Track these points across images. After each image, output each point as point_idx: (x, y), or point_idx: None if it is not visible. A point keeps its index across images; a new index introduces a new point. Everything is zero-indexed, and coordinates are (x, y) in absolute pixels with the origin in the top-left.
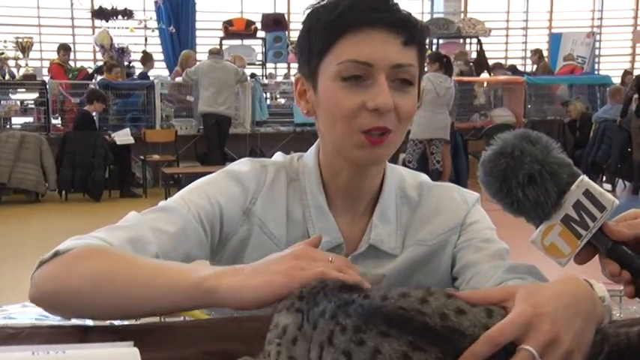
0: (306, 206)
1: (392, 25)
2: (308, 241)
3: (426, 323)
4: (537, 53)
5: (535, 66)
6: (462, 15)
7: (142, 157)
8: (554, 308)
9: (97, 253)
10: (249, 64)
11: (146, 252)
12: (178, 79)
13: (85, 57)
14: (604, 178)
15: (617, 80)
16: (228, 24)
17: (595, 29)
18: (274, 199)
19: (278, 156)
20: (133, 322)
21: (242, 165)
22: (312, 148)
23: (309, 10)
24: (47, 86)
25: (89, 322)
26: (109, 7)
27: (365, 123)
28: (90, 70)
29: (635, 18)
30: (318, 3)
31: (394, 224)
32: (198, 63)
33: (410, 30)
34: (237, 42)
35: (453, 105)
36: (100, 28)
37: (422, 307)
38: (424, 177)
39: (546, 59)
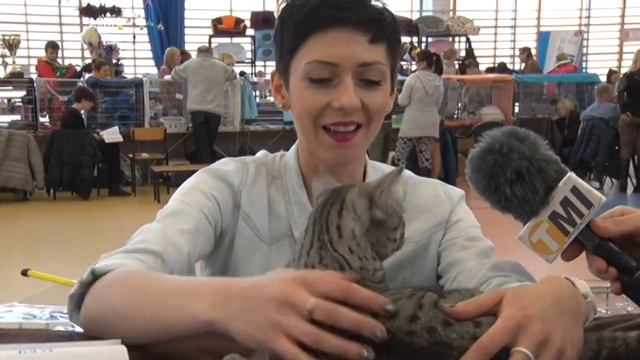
0: (288, 203)
1: (359, 23)
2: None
3: (413, 344)
4: (526, 52)
5: (523, 64)
6: (451, 13)
7: (130, 156)
8: (541, 309)
9: (125, 280)
10: (238, 62)
11: (180, 252)
12: (167, 77)
13: (73, 55)
14: (592, 176)
15: (604, 79)
16: (217, 22)
17: (583, 28)
18: (256, 193)
19: (261, 154)
20: None
21: (223, 164)
22: (293, 147)
23: (283, 4)
24: (35, 84)
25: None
26: (97, 5)
27: (329, 119)
28: (78, 68)
29: (622, 17)
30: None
31: None
32: (187, 61)
33: (377, 27)
34: (227, 40)
35: (442, 103)
36: (88, 25)
37: (410, 327)
38: (408, 173)
39: (535, 57)
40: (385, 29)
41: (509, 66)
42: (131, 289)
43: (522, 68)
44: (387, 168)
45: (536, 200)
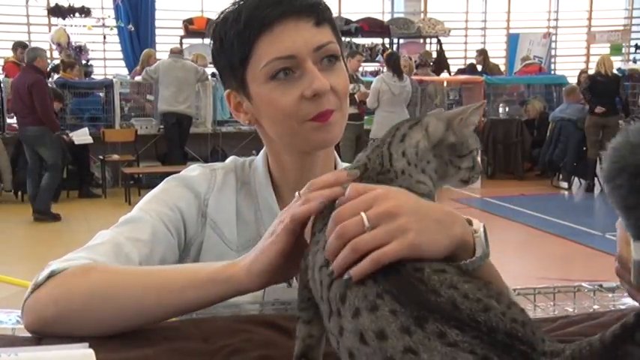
0: (257, 208)
1: (300, 12)
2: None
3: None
4: (482, 54)
5: (481, 66)
6: (422, 15)
7: (101, 157)
8: (405, 198)
9: (94, 269)
10: (211, 62)
11: (130, 261)
12: (138, 78)
13: None
14: (561, 177)
15: (573, 80)
16: (188, 22)
17: (551, 30)
18: (224, 201)
19: (231, 160)
20: None
21: (191, 171)
22: (262, 152)
23: (212, 28)
24: (1, 85)
25: None
26: (66, 5)
27: (309, 112)
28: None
29: (589, 19)
30: (219, 17)
31: None
32: (157, 61)
33: (318, 10)
34: (198, 41)
35: (412, 104)
36: (56, 25)
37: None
38: None
39: (504, 59)
40: (325, 11)
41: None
42: (118, 270)
43: (481, 70)
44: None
45: None
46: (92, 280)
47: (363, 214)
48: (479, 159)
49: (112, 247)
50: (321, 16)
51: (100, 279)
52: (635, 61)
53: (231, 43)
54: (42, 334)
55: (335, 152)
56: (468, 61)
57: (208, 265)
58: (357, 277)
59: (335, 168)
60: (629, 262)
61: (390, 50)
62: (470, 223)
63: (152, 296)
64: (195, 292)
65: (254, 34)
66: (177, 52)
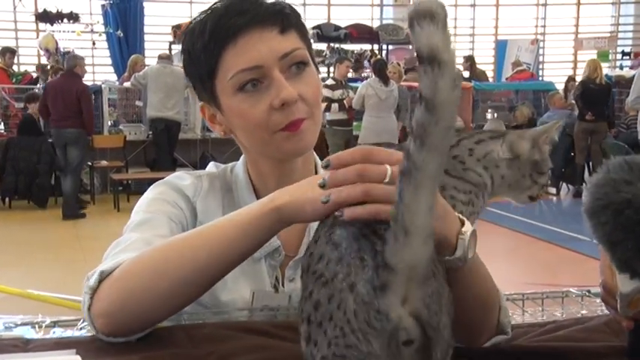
0: None
1: (264, 20)
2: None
3: None
4: (469, 60)
5: (468, 72)
6: None
7: (89, 163)
8: None
9: (140, 255)
10: None
11: None
12: (126, 84)
13: (30, 61)
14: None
15: (560, 86)
16: (177, 28)
17: (539, 37)
18: (212, 206)
19: (211, 166)
20: (77, 333)
21: (178, 177)
22: (241, 159)
23: (182, 39)
24: None
25: (33, 336)
26: (54, 11)
27: (279, 122)
28: (34, 75)
29: (577, 26)
30: (188, 27)
31: None
32: (146, 67)
33: (282, 17)
34: None
35: (403, 110)
36: (44, 31)
37: None
38: None
39: (492, 65)
40: (289, 17)
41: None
42: (169, 244)
43: (467, 77)
44: None
45: None
46: (144, 263)
47: (388, 167)
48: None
49: (143, 244)
50: (287, 22)
51: (149, 258)
52: (621, 67)
53: (199, 56)
54: (115, 334)
55: (315, 155)
56: (457, 67)
57: (246, 207)
58: (348, 217)
59: (316, 171)
60: (614, 291)
61: (377, 57)
62: (462, 223)
63: (203, 252)
64: (253, 232)
65: (219, 47)
66: (165, 58)
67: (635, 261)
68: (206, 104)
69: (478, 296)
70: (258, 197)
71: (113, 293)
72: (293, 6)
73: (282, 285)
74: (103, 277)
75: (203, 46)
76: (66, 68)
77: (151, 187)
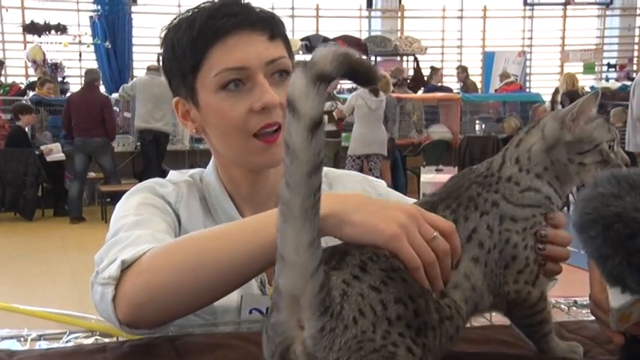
0: (218, 221)
1: (254, 25)
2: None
3: None
4: (465, 71)
5: (462, 83)
6: (399, 33)
7: None
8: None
9: (166, 246)
10: None
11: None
12: (114, 95)
13: (17, 72)
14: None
15: (547, 97)
16: None
17: (526, 49)
18: (193, 211)
19: (174, 174)
20: (63, 345)
21: (157, 183)
22: (210, 165)
23: (164, 33)
24: None
25: (19, 349)
26: (42, 22)
27: (255, 124)
28: (22, 86)
29: (563, 39)
30: (172, 23)
31: None
32: (135, 78)
33: (272, 24)
34: None
35: (391, 121)
36: (32, 43)
37: None
38: (326, 168)
39: (480, 76)
40: (279, 26)
41: (457, 84)
42: (196, 241)
43: (460, 88)
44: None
45: None
46: (171, 256)
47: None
48: (619, 149)
49: (152, 238)
50: (276, 30)
51: (179, 252)
52: (607, 79)
53: (184, 50)
54: (139, 325)
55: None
56: (445, 79)
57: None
58: None
59: None
60: (604, 305)
61: None
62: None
63: (237, 254)
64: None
65: (207, 43)
66: (154, 70)
67: (625, 275)
68: (182, 99)
69: None
70: (232, 200)
71: (141, 284)
72: (280, 17)
73: (270, 284)
74: (125, 266)
75: (190, 40)
76: (86, 82)
77: (130, 192)
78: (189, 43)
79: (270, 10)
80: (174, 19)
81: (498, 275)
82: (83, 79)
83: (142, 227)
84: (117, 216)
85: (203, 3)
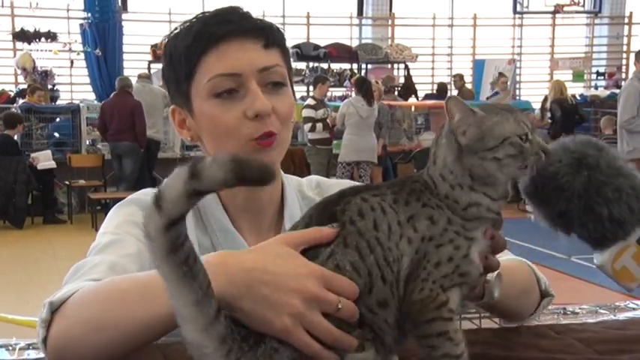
0: (212, 231)
1: (249, 32)
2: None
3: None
4: (461, 79)
5: (457, 90)
6: (390, 41)
7: (67, 183)
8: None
9: (89, 293)
10: None
11: (129, 272)
12: None
13: (6, 80)
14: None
15: (537, 105)
16: (156, 47)
17: (516, 57)
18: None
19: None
20: None
21: (146, 194)
22: None
23: (165, 43)
24: None
25: (7, 358)
26: (32, 30)
27: (251, 132)
28: (12, 94)
29: (552, 47)
30: (173, 32)
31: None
32: None
33: (268, 33)
34: None
35: (385, 128)
36: (21, 50)
37: None
38: (317, 177)
39: (470, 84)
40: (275, 35)
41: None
42: (107, 296)
43: (456, 95)
44: (296, 177)
45: (632, 222)
46: (85, 307)
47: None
48: (534, 137)
49: (106, 267)
50: (271, 39)
51: (88, 303)
52: (596, 87)
53: (179, 57)
54: None
55: (282, 172)
56: (436, 87)
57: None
58: None
59: (282, 186)
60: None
61: (359, 75)
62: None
63: (126, 308)
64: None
65: (200, 49)
66: (145, 77)
67: (582, 230)
68: (177, 108)
69: (520, 293)
70: (227, 212)
71: (61, 331)
72: (279, 26)
73: None
74: (54, 308)
75: (185, 47)
76: (118, 87)
77: (118, 205)
78: (184, 50)
79: (268, 20)
80: (175, 28)
81: (422, 268)
82: (116, 85)
83: (110, 251)
84: (100, 230)
85: (203, 12)
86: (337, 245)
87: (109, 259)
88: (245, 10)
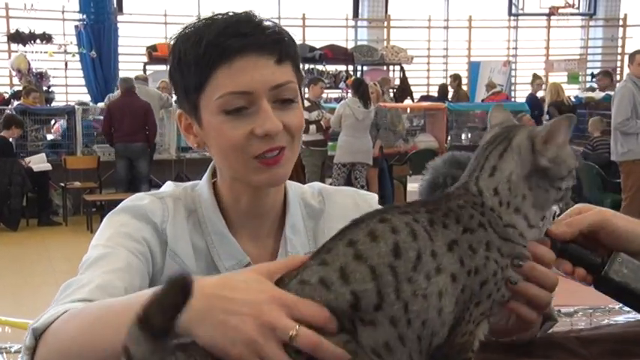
0: (207, 234)
1: (263, 47)
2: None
3: None
4: (457, 79)
5: (453, 91)
6: (385, 43)
7: (62, 185)
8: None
9: (69, 320)
10: None
11: (116, 288)
12: (100, 105)
13: (1, 82)
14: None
15: None
16: (152, 49)
17: (511, 59)
18: (179, 229)
19: (169, 185)
20: None
21: (139, 200)
22: (205, 176)
23: (174, 41)
24: None
25: None
26: (27, 31)
27: (257, 149)
28: (6, 95)
29: (547, 49)
30: (182, 32)
31: (304, 235)
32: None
33: (280, 47)
34: (162, 67)
35: (382, 129)
36: (16, 52)
37: None
38: (320, 185)
39: (466, 86)
40: (288, 48)
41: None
42: (84, 322)
43: (452, 96)
44: (299, 184)
45: None
46: (64, 334)
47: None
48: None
49: (95, 286)
50: (284, 52)
51: (67, 330)
52: (592, 89)
53: (189, 66)
54: None
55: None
56: (431, 88)
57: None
58: None
59: (285, 191)
60: None
61: (355, 77)
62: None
63: (105, 335)
64: None
65: (213, 63)
66: (141, 79)
67: None
68: (185, 114)
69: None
70: (226, 214)
71: (45, 356)
72: (291, 35)
73: None
74: (37, 334)
75: (196, 57)
76: (123, 89)
77: (111, 214)
78: (194, 60)
79: (281, 29)
80: (184, 28)
81: (467, 310)
82: (120, 87)
83: (100, 265)
84: (92, 242)
85: (214, 15)
86: (309, 270)
87: (97, 279)
88: (258, 17)
